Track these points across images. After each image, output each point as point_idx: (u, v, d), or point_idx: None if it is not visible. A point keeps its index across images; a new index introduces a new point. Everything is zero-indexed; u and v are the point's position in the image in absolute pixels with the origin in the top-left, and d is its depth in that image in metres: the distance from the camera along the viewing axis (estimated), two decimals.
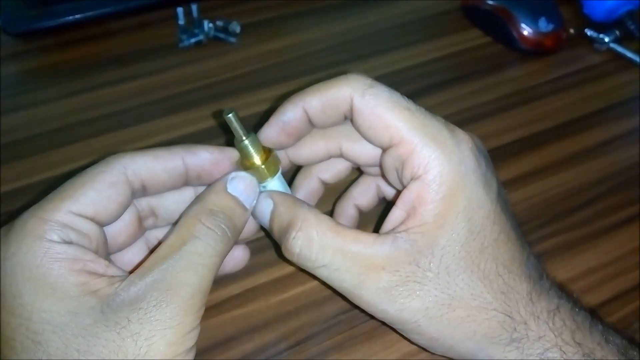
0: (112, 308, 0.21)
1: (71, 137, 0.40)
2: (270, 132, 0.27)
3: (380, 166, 0.27)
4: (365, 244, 0.24)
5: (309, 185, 0.31)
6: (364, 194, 0.32)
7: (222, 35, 0.49)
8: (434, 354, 0.26)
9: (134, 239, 0.27)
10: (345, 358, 0.29)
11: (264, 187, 0.27)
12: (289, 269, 0.32)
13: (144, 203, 0.27)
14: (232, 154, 0.27)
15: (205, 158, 0.26)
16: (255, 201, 0.26)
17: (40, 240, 0.22)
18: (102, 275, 0.22)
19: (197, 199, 0.25)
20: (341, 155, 0.29)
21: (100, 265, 0.22)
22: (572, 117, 0.42)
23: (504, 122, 0.42)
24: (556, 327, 0.24)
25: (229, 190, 0.25)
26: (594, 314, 0.26)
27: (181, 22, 0.49)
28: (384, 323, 0.26)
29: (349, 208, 0.32)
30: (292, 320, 0.30)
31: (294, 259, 0.25)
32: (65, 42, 0.49)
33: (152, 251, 0.23)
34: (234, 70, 0.46)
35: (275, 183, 0.27)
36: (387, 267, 0.24)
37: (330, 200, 0.33)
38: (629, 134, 0.41)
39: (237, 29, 0.49)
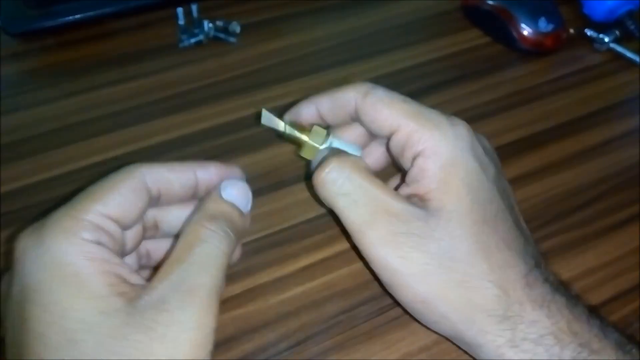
0: (138, 310, 0.21)
1: (71, 137, 0.40)
2: (289, 117, 0.31)
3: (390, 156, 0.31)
4: (388, 193, 0.27)
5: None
6: (374, 150, 0.32)
7: (222, 35, 0.48)
8: (431, 351, 0.26)
9: (136, 247, 0.28)
10: (345, 358, 0.29)
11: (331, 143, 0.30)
12: (289, 269, 0.32)
13: (149, 214, 0.28)
14: (236, 169, 0.29)
15: (213, 172, 0.28)
16: (250, 204, 0.28)
17: (75, 237, 0.22)
18: (126, 281, 0.23)
19: (196, 209, 0.26)
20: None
21: (125, 271, 0.23)
22: (572, 117, 0.42)
23: (504, 122, 0.42)
24: (552, 314, 0.24)
25: (224, 196, 0.27)
26: (594, 310, 0.26)
27: (181, 22, 0.49)
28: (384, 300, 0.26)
29: None
30: (292, 320, 0.30)
31: (321, 178, 0.27)
32: (65, 42, 0.49)
33: (164, 259, 0.24)
34: (234, 70, 0.46)
35: (336, 143, 0.30)
36: (400, 215, 0.26)
37: None
38: (629, 134, 0.41)
39: (237, 29, 0.49)
